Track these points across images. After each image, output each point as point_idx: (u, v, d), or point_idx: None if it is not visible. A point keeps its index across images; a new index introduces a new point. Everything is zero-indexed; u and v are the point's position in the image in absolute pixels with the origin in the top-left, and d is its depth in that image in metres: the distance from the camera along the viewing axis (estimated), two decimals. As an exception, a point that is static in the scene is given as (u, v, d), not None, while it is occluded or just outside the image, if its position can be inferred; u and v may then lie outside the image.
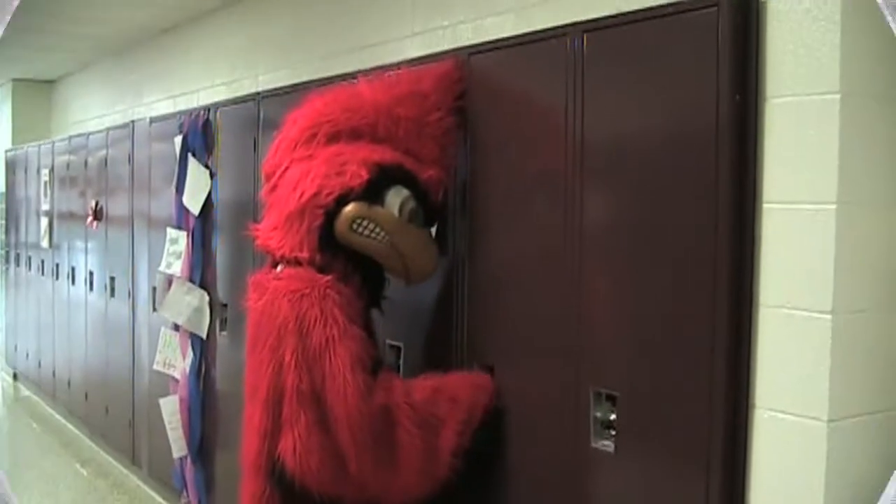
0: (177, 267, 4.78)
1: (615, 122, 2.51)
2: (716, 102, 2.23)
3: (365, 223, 2.68)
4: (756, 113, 2.20)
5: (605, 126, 2.53)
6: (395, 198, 2.71)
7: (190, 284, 4.69)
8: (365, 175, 2.68)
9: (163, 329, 4.98)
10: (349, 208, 2.67)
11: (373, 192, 2.69)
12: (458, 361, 2.94)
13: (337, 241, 2.71)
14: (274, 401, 2.64)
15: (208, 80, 5.56)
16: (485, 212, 2.89)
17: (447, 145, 2.87)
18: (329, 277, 2.64)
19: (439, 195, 2.85)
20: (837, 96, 2.07)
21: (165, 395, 4.92)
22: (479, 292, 2.92)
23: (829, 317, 2.09)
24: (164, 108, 6.05)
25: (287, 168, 2.82)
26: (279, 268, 2.77)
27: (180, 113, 4.98)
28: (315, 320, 2.57)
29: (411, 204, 2.73)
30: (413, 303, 3.10)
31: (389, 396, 2.62)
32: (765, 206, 2.21)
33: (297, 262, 2.71)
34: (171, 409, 4.85)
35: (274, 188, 2.87)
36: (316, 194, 2.68)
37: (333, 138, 2.79)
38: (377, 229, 2.69)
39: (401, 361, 3.21)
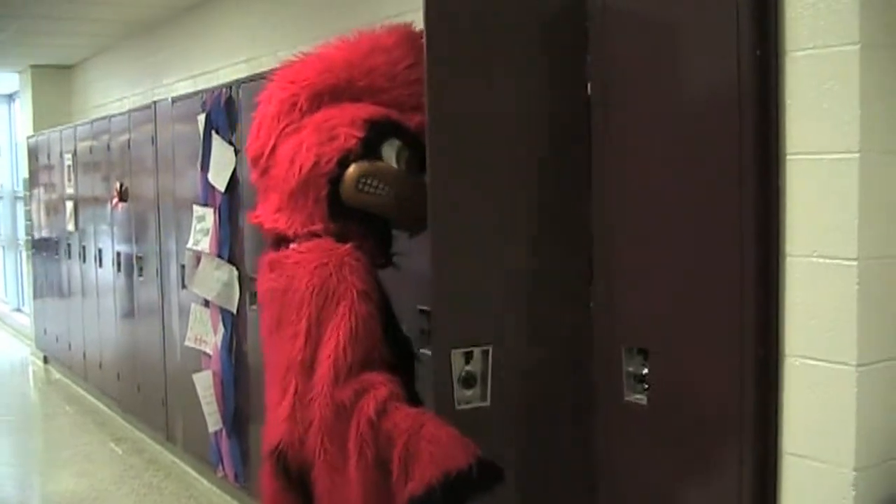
0: (205, 244, 4.84)
1: (637, 80, 2.56)
2: (737, 57, 2.27)
3: (369, 180, 2.65)
4: (777, 67, 2.24)
5: (630, 83, 2.58)
6: (390, 150, 2.69)
7: (219, 260, 4.75)
8: (358, 134, 2.64)
9: (193, 305, 5.04)
10: (352, 169, 2.64)
11: (369, 149, 2.66)
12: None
13: (345, 207, 2.67)
14: (287, 378, 2.57)
15: (228, 59, 5.61)
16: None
17: (421, 93, 2.75)
18: (349, 246, 2.60)
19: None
20: (857, 47, 2.10)
21: (198, 370, 4.99)
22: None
23: (854, 263, 2.13)
24: (185, 88, 6.10)
25: (275, 146, 2.74)
26: (293, 245, 2.71)
27: (202, 92, 5.01)
28: (332, 289, 2.53)
29: (406, 153, 2.72)
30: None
31: (359, 398, 2.44)
32: (788, 157, 2.25)
33: (313, 236, 2.67)
34: (205, 384, 4.92)
35: (266, 170, 2.78)
36: (315, 164, 2.64)
37: (315, 103, 2.73)
38: (381, 184, 2.66)
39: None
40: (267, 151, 2.77)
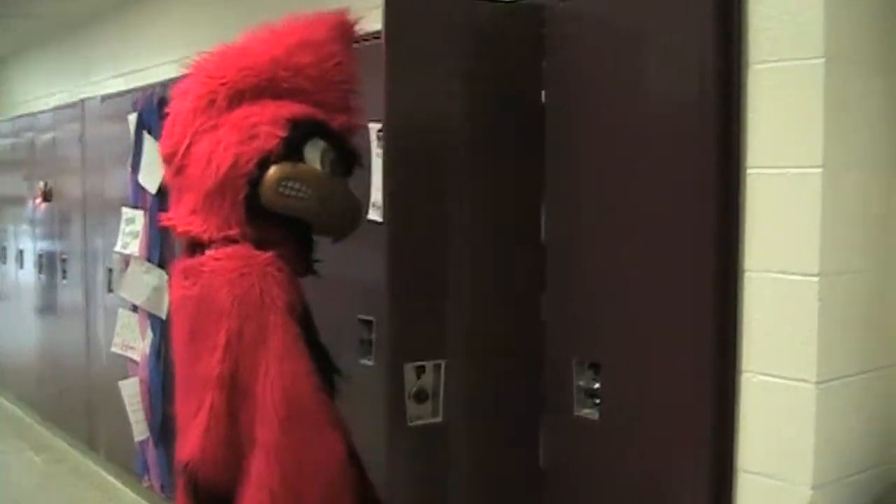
0: (134, 247, 4.69)
1: (594, 89, 2.52)
2: (699, 68, 2.24)
3: (291, 183, 2.51)
4: (740, 79, 2.21)
5: (587, 92, 2.54)
6: (314, 151, 2.57)
7: (148, 264, 4.61)
8: (280, 133, 2.51)
9: (120, 310, 4.88)
10: (273, 171, 2.49)
11: (292, 150, 2.53)
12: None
13: (265, 210, 2.53)
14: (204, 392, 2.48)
15: (161, 58, 5.45)
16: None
17: (351, 90, 2.73)
18: (269, 254, 2.48)
19: (353, 142, 2.72)
20: (822, 61, 2.08)
21: (125, 377, 4.84)
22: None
23: (816, 279, 2.11)
24: (115, 86, 5.93)
25: (191, 144, 2.60)
26: (209, 251, 2.56)
27: (134, 90, 4.87)
28: (255, 303, 2.42)
29: (331, 154, 2.61)
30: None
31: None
32: (749, 171, 2.22)
33: (229, 241, 2.53)
34: (131, 392, 4.78)
35: (180, 170, 2.64)
36: (233, 164, 2.50)
37: (235, 100, 2.58)
38: (304, 187, 2.53)
39: (373, 336, 3.21)
40: (182, 149, 2.63)
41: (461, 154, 2.58)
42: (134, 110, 4.65)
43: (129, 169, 4.70)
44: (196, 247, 2.60)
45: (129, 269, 4.71)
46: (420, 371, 2.51)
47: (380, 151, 3.12)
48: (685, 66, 2.28)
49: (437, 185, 2.55)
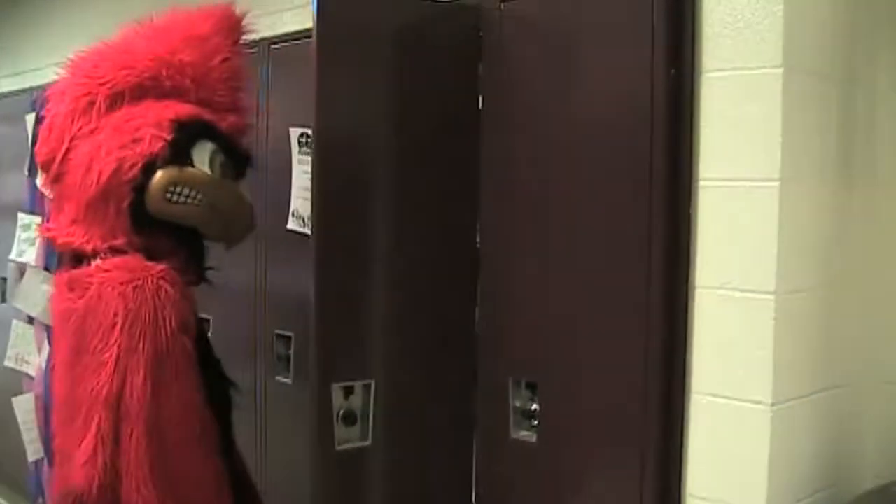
0: (30, 255, 4.44)
1: (535, 94, 2.40)
2: (650, 76, 2.14)
3: (179, 189, 2.36)
4: (693, 87, 2.12)
5: (527, 97, 2.42)
6: (202, 154, 2.42)
7: (45, 273, 4.35)
8: (166, 136, 2.35)
9: (14, 322, 4.61)
10: (159, 176, 2.34)
11: (178, 153, 2.37)
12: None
13: (152, 217, 2.37)
14: (90, 413, 2.26)
15: (61, 55, 5.20)
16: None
17: (239, 88, 2.60)
18: (163, 267, 2.31)
19: (243, 143, 2.60)
20: (780, 70, 2.01)
21: (19, 393, 4.57)
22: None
23: (771, 297, 2.03)
24: (10, 85, 5.65)
25: (69, 150, 2.43)
26: (95, 262, 2.38)
27: (31, 89, 4.64)
28: (148, 320, 2.25)
29: (220, 157, 2.47)
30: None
31: None
32: (701, 183, 2.14)
33: (115, 252, 2.36)
34: (25, 409, 4.49)
35: (58, 177, 2.48)
36: (116, 170, 2.33)
37: (115, 102, 2.43)
38: (193, 192, 2.38)
39: (291, 352, 3.06)
40: (59, 156, 2.46)
41: (393, 162, 2.45)
42: (32, 110, 4.39)
43: (26, 172, 4.45)
44: (80, 258, 2.43)
45: (25, 278, 4.44)
46: (348, 392, 2.36)
47: (301, 157, 2.98)
48: (633, 72, 2.19)
49: (368, 196, 2.41)
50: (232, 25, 2.60)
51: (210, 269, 2.57)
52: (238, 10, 2.62)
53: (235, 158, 2.52)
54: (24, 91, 4.81)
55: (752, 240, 2.05)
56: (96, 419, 2.23)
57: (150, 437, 2.22)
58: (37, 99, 4.41)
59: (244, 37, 2.64)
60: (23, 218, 4.54)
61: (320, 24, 2.27)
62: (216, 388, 2.42)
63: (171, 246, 2.41)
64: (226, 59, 2.54)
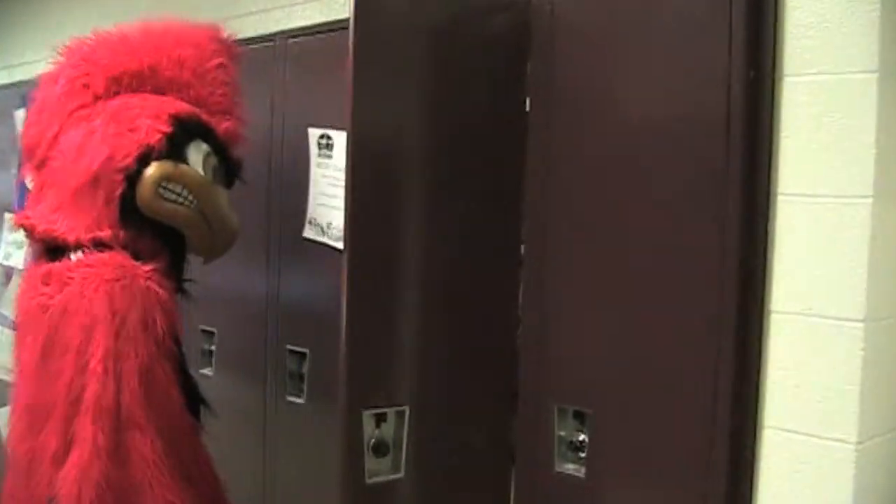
0: (18, 258, 4.38)
1: (591, 99, 2.21)
2: (727, 78, 1.95)
3: (172, 186, 2.30)
4: (773, 92, 1.94)
5: (582, 102, 2.23)
6: (197, 154, 2.36)
7: (34, 278, 4.21)
8: (164, 129, 2.30)
9: (0, 328, 4.48)
10: (153, 169, 2.27)
11: (174, 149, 2.32)
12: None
13: (140, 213, 2.30)
14: (68, 418, 2.15)
15: (52, 49, 5.02)
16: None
17: (236, 93, 2.54)
18: (150, 267, 2.23)
19: (236, 151, 2.52)
20: (875, 76, 1.82)
21: (4, 403, 4.38)
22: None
23: (860, 324, 1.84)
24: (-2, 79, 5.49)
25: (58, 134, 2.37)
26: (75, 255, 2.28)
27: (21, 83, 4.47)
28: (137, 324, 2.16)
29: (213, 160, 2.40)
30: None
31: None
32: (779, 197, 1.95)
33: (98, 245, 2.26)
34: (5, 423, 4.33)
35: (43, 163, 2.40)
36: (110, 158, 2.26)
37: (112, 87, 2.38)
38: (185, 192, 2.32)
39: (305, 370, 2.88)
40: (47, 140, 2.38)
41: (432, 171, 2.26)
42: (22, 106, 4.25)
43: (14, 171, 4.32)
44: (57, 251, 2.33)
45: (12, 282, 4.41)
46: (380, 419, 2.16)
47: (320, 161, 2.81)
48: (706, 73, 1.99)
49: (405, 206, 2.22)
50: (222, 41, 2.58)
51: (189, 280, 2.47)
52: (227, 33, 2.61)
53: (227, 166, 2.45)
54: (13, 85, 4.69)
55: (838, 261, 1.86)
56: (90, 430, 2.10)
57: (164, 442, 2.16)
58: (27, 94, 4.24)
59: (235, 54, 2.60)
60: (10, 218, 4.38)
61: (359, 14, 2.07)
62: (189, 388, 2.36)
63: (156, 247, 2.32)
64: (222, 64, 2.50)
